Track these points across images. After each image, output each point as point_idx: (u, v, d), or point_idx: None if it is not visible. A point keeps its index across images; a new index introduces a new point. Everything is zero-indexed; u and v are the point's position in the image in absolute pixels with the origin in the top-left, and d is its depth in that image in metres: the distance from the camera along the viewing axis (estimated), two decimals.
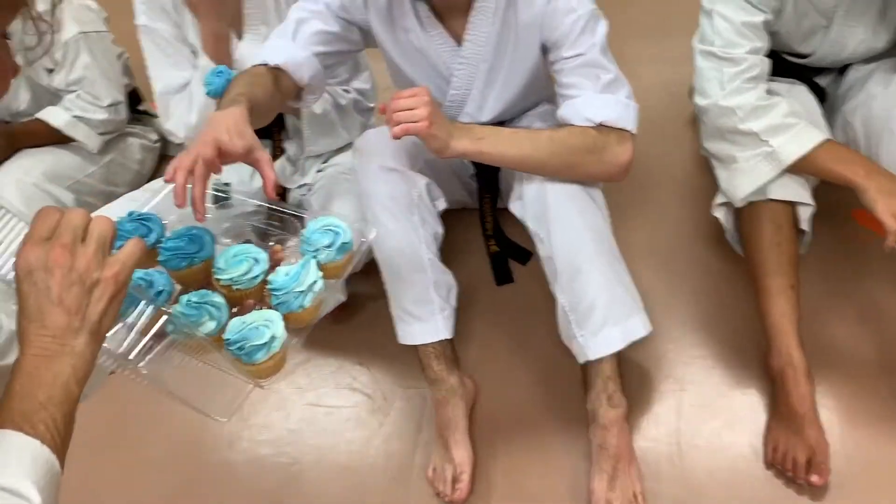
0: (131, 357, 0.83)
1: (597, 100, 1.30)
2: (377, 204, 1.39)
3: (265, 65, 1.33)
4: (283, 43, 1.36)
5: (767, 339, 1.36)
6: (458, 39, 1.40)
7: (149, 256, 1.08)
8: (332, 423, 1.58)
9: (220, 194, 1.77)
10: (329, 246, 1.05)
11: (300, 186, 1.79)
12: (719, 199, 1.47)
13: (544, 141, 1.30)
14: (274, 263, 1.08)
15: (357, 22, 1.41)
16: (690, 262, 1.72)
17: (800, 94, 1.48)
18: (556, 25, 1.32)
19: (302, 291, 0.98)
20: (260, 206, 1.27)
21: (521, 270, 1.72)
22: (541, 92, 1.54)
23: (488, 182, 1.64)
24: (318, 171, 1.77)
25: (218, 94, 1.47)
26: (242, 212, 1.76)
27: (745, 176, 1.37)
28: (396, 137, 1.22)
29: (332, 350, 1.73)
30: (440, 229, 1.46)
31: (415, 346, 1.44)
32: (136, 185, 2.13)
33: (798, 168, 1.34)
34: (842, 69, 1.56)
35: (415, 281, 1.41)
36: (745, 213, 1.42)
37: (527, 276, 1.71)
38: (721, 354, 1.53)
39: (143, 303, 0.86)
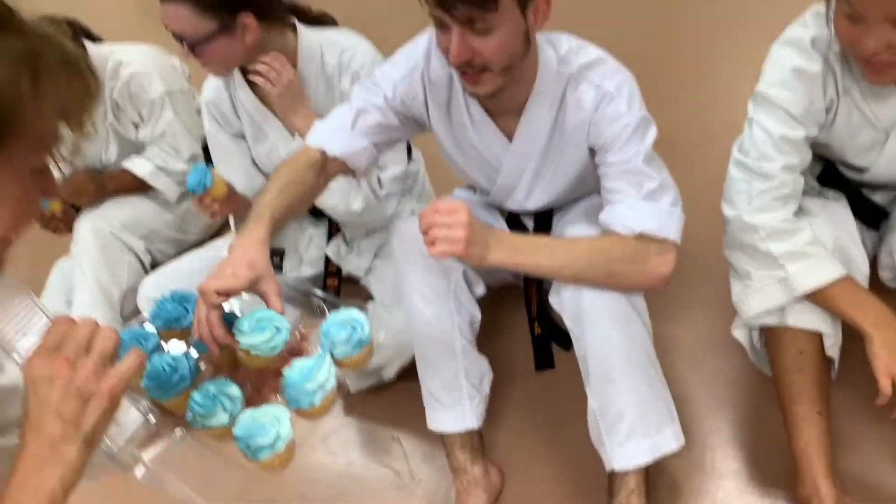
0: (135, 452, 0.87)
1: (638, 207, 1.28)
2: (412, 288, 1.41)
3: (319, 149, 1.38)
4: (341, 131, 1.40)
5: (794, 467, 1.30)
6: (510, 136, 1.41)
7: (182, 337, 1.14)
8: (359, 497, 1.59)
9: (274, 258, 1.86)
10: (346, 341, 1.07)
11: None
12: (739, 319, 1.41)
13: (583, 251, 1.28)
14: (298, 350, 1.12)
15: (414, 115, 1.45)
16: (733, 367, 1.65)
17: (836, 213, 1.41)
18: (602, 131, 1.31)
19: (313, 390, 1.00)
20: (305, 290, 1.32)
21: (562, 358, 1.70)
22: (590, 184, 1.54)
23: None
24: (376, 255, 1.81)
25: (194, 191, 1.55)
26: (294, 278, 1.83)
27: (757, 295, 1.32)
28: (433, 256, 1.21)
29: (368, 418, 1.76)
30: (477, 315, 1.47)
31: None
32: (205, 233, 2.24)
33: (811, 299, 1.28)
34: None
35: (445, 367, 1.42)
36: (768, 336, 1.36)
37: (568, 363, 1.69)
38: (757, 472, 1.46)
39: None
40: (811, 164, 1.46)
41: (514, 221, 1.62)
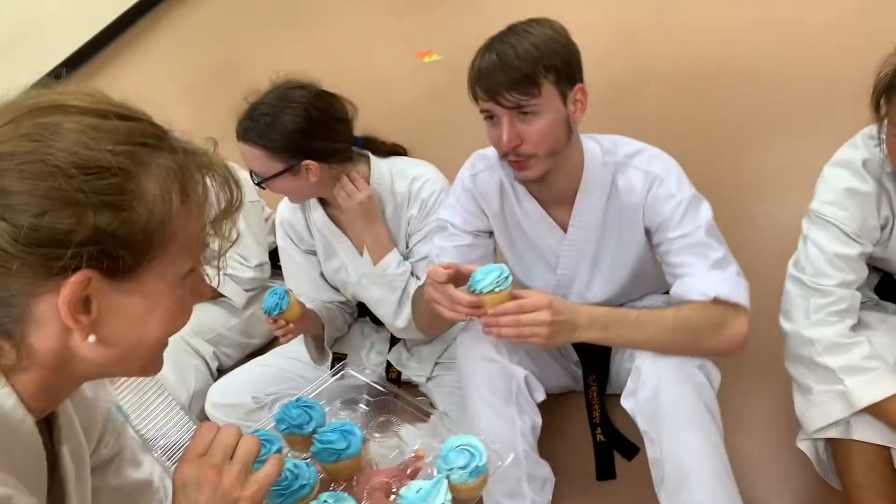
0: None
1: (708, 276, 1.36)
2: (475, 394, 1.46)
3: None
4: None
5: None
6: (564, 227, 1.51)
7: (304, 443, 1.18)
8: None
9: (335, 363, 1.91)
10: (463, 467, 1.05)
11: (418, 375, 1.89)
12: (803, 432, 1.42)
13: (669, 321, 1.35)
14: (414, 470, 1.14)
15: (480, 229, 1.56)
16: (799, 476, 1.62)
17: (894, 327, 1.43)
18: (658, 211, 1.41)
19: None
20: (375, 384, 1.37)
21: (623, 467, 1.69)
22: (649, 283, 1.59)
23: (595, 368, 1.66)
24: (437, 362, 1.86)
25: (270, 312, 1.63)
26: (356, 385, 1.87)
27: (817, 409, 1.35)
28: (507, 337, 1.29)
29: None
30: (538, 420, 1.51)
31: None
32: (268, 337, 2.32)
33: (870, 413, 1.30)
34: None
35: (508, 473, 1.44)
36: (834, 448, 1.37)
37: (630, 473, 1.68)
38: None
39: None
40: (868, 275, 1.49)
41: None
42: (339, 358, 1.93)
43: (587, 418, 1.70)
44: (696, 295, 1.34)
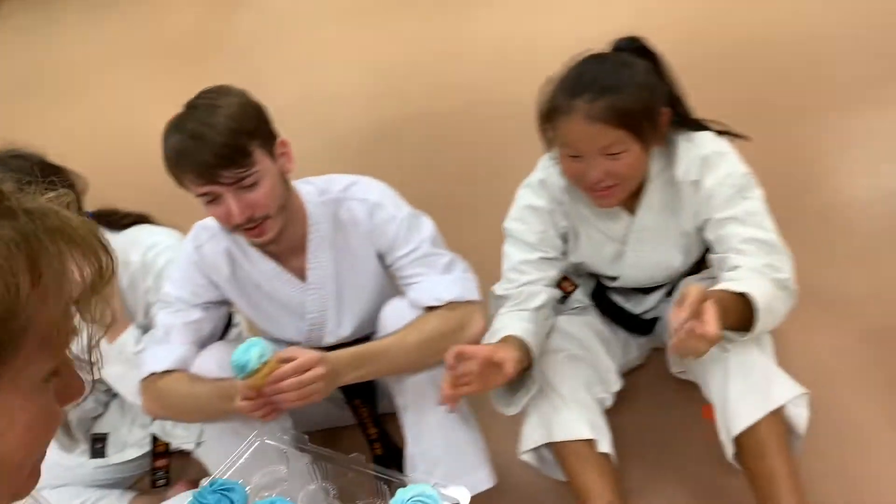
0: None
1: (439, 281, 1.44)
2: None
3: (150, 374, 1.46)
4: (160, 350, 1.48)
5: None
6: (302, 275, 1.52)
7: None
8: None
9: (96, 444, 1.80)
10: None
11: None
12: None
13: (414, 340, 1.40)
14: None
15: (212, 299, 1.54)
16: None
17: (584, 324, 1.59)
18: (383, 234, 1.48)
19: None
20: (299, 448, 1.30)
21: None
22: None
23: (358, 393, 1.68)
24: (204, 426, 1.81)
25: None
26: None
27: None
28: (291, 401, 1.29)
29: None
30: (287, 424, 1.53)
31: None
32: None
33: None
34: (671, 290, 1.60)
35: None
36: (553, 450, 1.44)
37: None
38: None
39: None
40: (585, 281, 1.65)
41: None
42: (98, 439, 1.81)
43: (365, 439, 1.71)
44: (431, 300, 1.42)
